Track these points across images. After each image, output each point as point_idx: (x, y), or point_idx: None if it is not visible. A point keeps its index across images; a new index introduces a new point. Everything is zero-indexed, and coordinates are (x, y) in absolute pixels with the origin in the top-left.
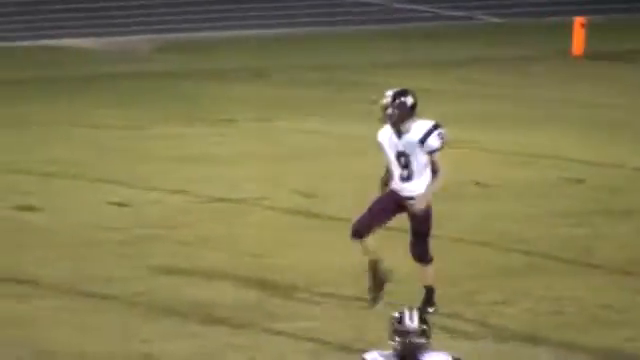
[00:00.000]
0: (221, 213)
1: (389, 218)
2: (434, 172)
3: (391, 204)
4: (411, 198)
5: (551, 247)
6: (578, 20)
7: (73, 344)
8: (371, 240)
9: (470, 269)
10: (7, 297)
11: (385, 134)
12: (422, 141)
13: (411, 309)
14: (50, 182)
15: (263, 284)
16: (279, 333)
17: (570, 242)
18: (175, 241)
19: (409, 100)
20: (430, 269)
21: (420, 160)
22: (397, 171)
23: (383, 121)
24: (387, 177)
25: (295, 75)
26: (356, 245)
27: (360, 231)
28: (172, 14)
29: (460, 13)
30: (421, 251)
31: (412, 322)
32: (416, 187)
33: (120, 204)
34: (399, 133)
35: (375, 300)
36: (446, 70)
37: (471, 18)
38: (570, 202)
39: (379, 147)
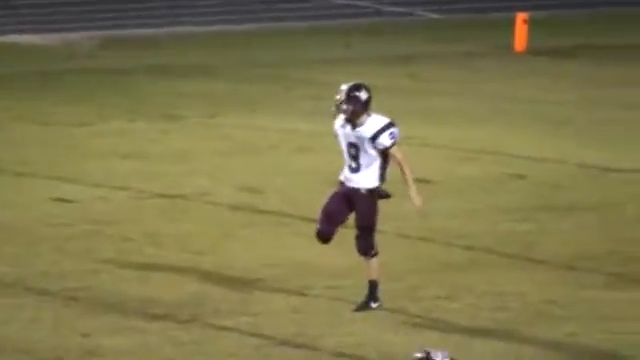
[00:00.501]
0: (165, 209)
1: (348, 213)
2: (385, 164)
3: (343, 200)
4: (357, 190)
5: (494, 242)
6: (520, 16)
7: (18, 339)
8: (376, 262)
9: (413, 264)
10: None
11: (340, 123)
12: (373, 138)
13: (438, 349)
14: None
15: (206, 279)
16: (222, 328)
17: (513, 237)
18: (119, 237)
19: (363, 95)
20: (375, 263)
21: (369, 154)
22: (347, 161)
23: (336, 115)
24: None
25: (241, 71)
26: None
27: (324, 232)
28: (117, 10)
29: (400, 9)
30: (366, 245)
31: None
32: (362, 179)
33: (65, 200)
34: (353, 125)
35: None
36: (390, 66)
37: (411, 14)
38: (512, 197)
39: (334, 135)
